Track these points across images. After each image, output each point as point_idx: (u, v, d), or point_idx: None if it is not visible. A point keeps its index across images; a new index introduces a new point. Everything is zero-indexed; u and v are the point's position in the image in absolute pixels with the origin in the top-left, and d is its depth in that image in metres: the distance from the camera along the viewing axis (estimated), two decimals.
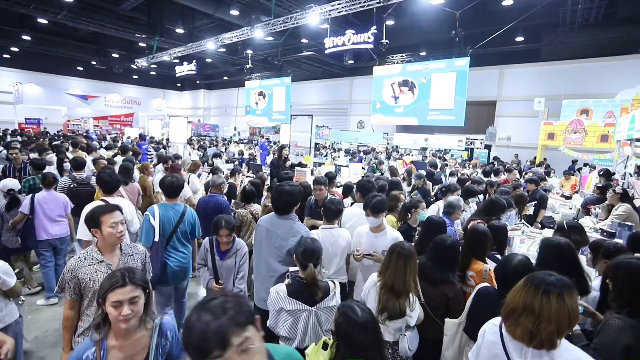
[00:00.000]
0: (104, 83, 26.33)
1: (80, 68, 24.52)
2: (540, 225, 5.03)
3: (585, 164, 10.82)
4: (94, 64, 22.05)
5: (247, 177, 6.94)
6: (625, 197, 4.32)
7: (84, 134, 15.95)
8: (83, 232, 3.04)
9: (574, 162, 11.59)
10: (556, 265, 1.95)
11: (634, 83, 11.81)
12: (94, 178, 4.54)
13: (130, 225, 3.33)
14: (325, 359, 1.59)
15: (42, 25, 16.47)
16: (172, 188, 3.13)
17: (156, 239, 2.90)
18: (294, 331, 2.10)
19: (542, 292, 1.33)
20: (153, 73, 26.86)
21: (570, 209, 6.42)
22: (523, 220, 4.52)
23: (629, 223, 3.76)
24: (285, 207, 2.65)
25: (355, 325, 1.49)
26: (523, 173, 9.64)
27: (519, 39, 13.53)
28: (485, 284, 2.16)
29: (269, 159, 10.43)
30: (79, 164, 4.90)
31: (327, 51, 10.86)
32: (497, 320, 1.54)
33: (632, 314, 1.56)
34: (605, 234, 3.61)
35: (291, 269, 2.25)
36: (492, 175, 6.94)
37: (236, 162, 9.79)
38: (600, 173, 6.94)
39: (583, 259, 2.54)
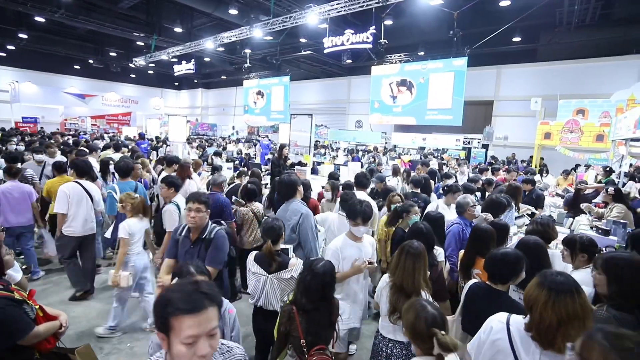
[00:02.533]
0: (101, 82, 26.23)
1: (77, 67, 24.41)
2: None
3: (577, 165, 10.93)
4: (92, 63, 21.97)
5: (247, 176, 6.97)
6: (619, 196, 4.41)
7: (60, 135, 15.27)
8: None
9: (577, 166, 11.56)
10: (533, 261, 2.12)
11: (629, 83, 11.92)
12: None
13: (97, 205, 4.07)
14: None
15: (39, 24, 16.39)
16: (125, 169, 4.19)
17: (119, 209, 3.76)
18: (255, 290, 2.49)
19: (577, 295, 1.31)
20: (151, 72, 26.80)
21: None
22: (525, 214, 4.60)
23: (624, 221, 3.85)
24: (288, 193, 3.16)
25: (310, 271, 2.01)
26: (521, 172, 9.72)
27: (516, 39, 13.64)
28: (475, 280, 2.20)
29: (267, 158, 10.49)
30: (12, 158, 5.23)
31: (326, 51, 10.91)
32: (503, 317, 1.53)
33: (622, 307, 1.61)
34: (600, 231, 3.69)
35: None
36: (491, 172, 7.03)
37: (236, 162, 9.81)
38: (607, 169, 7.09)
39: (559, 255, 2.61)
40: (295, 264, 2.46)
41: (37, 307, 1.95)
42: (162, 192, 3.69)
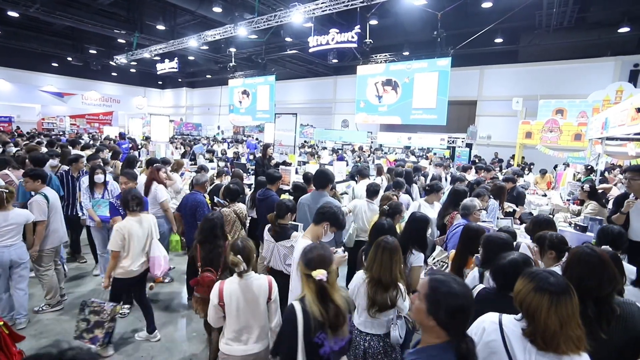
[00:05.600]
0: (81, 80, 25.43)
1: (55, 64, 23.57)
2: (519, 222, 5.20)
3: (556, 166, 11.22)
4: (70, 60, 21.24)
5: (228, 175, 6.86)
6: (593, 194, 4.54)
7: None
8: None
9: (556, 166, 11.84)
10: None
11: (604, 84, 12.38)
12: None
13: None
14: None
15: (12, 19, 15.74)
16: (39, 160, 4.64)
17: None
18: (267, 253, 3.18)
19: (573, 295, 1.31)
20: (133, 70, 26.14)
21: (547, 205, 6.68)
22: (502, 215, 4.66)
23: (600, 217, 3.96)
24: (322, 184, 3.63)
25: (205, 219, 2.95)
26: (504, 171, 9.91)
27: (498, 40, 13.91)
28: (482, 285, 2.13)
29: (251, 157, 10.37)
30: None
31: (311, 50, 10.87)
32: (495, 317, 1.51)
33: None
34: (578, 227, 3.78)
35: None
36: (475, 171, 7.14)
37: (227, 162, 9.65)
38: (588, 167, 7.28)
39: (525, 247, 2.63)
40: (296, 236, 2.91)
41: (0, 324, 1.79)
42: (28, 185, 3.68)
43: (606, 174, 8.36)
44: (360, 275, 2.32)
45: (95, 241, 4.47)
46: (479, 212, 3.43)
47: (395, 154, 14.52)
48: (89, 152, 7.97)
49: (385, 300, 2.15)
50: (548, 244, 2.31)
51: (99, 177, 4.34)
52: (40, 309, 3.79)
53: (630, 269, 2.45)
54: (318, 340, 1.62)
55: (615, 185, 6.85)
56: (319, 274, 1.63)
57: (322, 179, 3.67)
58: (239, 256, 2.16)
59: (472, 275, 2.35)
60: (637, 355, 1.61)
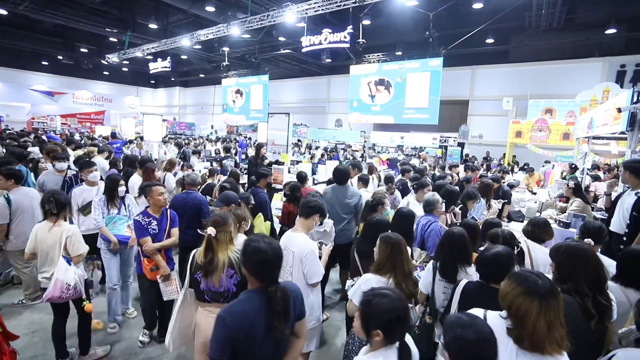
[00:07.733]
0: (72, 79, 25.13)
1: (45, 63, 23.25)
2: (507, 220, 5.32)
3: (547, 162, 11.43)
4: (61, 59, 20.97)
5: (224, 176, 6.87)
6: (578, 190, 4.66)
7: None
8: None
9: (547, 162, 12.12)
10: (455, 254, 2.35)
11: (592, 84, 12.63)
12: None
13: None
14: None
15: (1, 16, 15.50)
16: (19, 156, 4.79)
17: None
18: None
19: (559, 296, 1.36)
20: (125, 69, 25.90)
21: (535, 202, 6.81)
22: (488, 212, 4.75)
23: (583, 214, 4.09)
24: (344, 180, 4.16)
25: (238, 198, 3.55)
26: (493, 170, 10.04)
27: (489, 40, 14.09)
28: (466, 280, 2.15)
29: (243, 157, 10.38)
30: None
31: (304, 50, 10.91)
32: (480, 312, 1.53)
33: (569, 290, 1.73)
34: (561, 224, 3.90)
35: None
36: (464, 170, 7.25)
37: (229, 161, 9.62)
38: (572, 166, 7.47)
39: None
40: (328, 223, 3.23)
41: None
42: (1, 183, 3.62)
43: (593, 171, 8.55)
44: (375, 280, 2.18)
45: (105, 269, 3.49)
46: (442, 206, 3.57)
47: (388, 153, 14.64)
48: (80, 151, 7.92)
49: (416, 287, 2.39)
50: (501, 241, 2.47)
51: (122, 190, 3.54)
52: (20, 302, 3.87)
53: (609, 263, 2.55)
54: (197, 277, 2.18)
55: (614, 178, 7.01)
56: (210, 230, 2.14)
57: (344, 175, 4.31)
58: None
59: (427, 267, 2.46)
60: (602, 346, 1.71)
